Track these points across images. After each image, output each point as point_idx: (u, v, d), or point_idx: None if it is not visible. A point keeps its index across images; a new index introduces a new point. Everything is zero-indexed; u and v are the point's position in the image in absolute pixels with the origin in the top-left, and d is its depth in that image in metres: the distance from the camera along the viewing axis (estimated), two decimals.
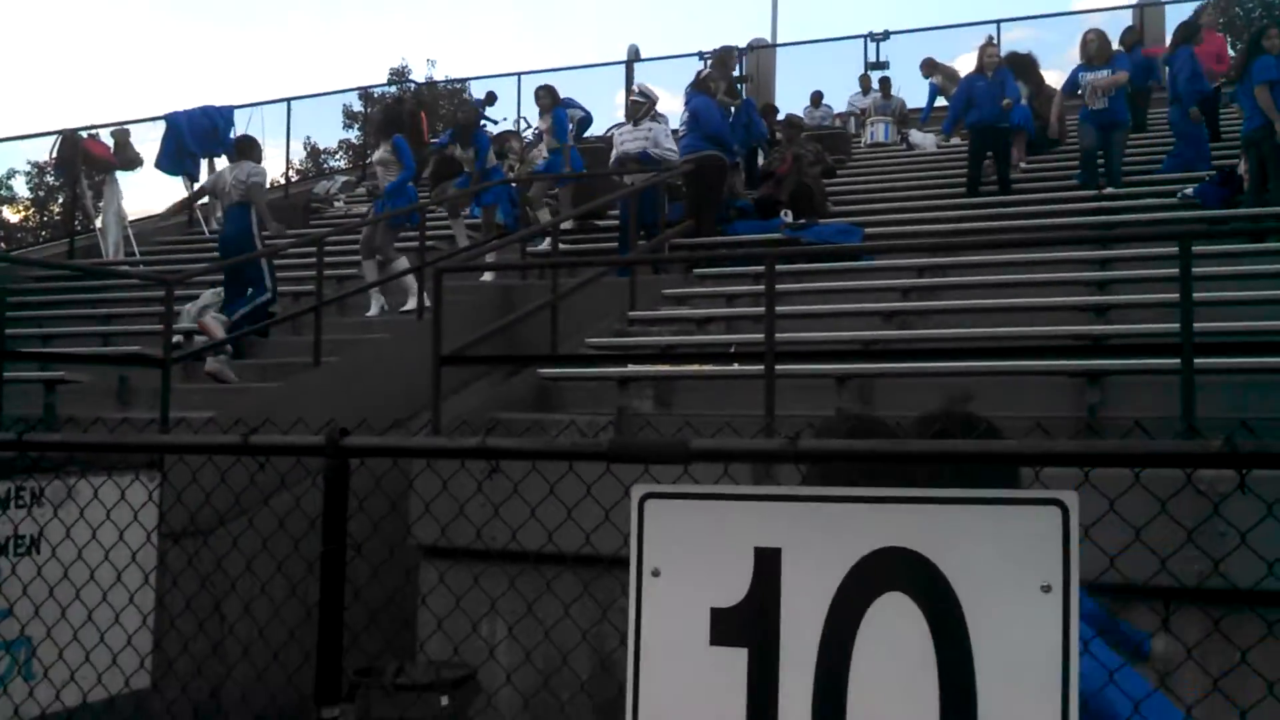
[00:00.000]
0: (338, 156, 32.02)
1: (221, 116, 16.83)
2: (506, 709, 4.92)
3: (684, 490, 1.95)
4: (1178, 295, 5.66)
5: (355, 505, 2.48)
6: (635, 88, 13.13)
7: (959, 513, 1.73)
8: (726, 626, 1.84)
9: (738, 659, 1.82)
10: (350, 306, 10.96)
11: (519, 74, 20.72)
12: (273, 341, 10.32)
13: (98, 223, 15.50)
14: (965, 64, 18.70)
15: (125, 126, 15.91)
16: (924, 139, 15.99)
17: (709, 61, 15.10)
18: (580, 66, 21.03)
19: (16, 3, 58.03)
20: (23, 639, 3.40)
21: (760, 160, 13.71)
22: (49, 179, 32.11)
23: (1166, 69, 13.14)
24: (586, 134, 15.77)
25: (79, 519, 3.35)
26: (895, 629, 1.73)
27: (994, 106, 11.97)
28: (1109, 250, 9.27)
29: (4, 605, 3.37)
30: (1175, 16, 18.95)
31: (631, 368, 7.85)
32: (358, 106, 27.04)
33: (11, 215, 36.70)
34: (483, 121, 14.25)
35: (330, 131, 35.84)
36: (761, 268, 6.84)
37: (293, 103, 19.89)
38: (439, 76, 33.65)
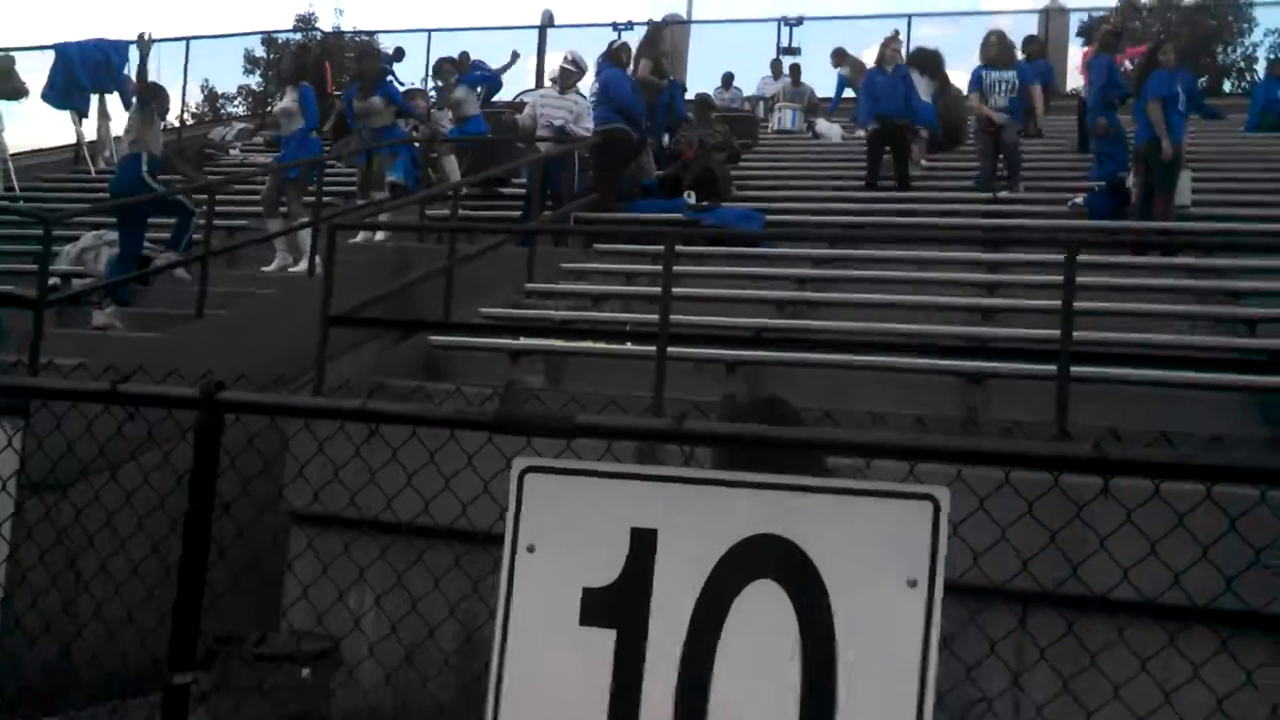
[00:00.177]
0: (236, 102, 31.05)
1: (116, 51, 16.09)
2: (368, 682, 4.84)
3: (565, 466, 1.93)
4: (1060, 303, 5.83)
5: (226, 463, 2.41)
6: (568, 55, 12.84)
7: (834, 502, 1.74)
8: (597, 607, 1.83)
9: (606, 640, 1.81)
10: (241, 259, 10.64)
11: (429, 30, 20.62)
12: (155, 290, 9.95)
13: None
14: (875, 56, 18.85)
15: (10, 53, 15.19)
16: (830, 129, 16.15)
17: (621, 33, 14.97)
18: (491, 28, 20.87)
19: None
20: None
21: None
22: None
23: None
24: (495, 98, 15.59)
25: None
26: (764, 617, 1.74)
27: (894, 101, 12.11)
28: (999, 254, 9.49)
29: None
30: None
31: (524, 340, 7.79)
32: (260, 52, 26.28)
33: None
34: (389, 77, 13.94)
35: (230, 76, 34.79)
36: (661, 248, 6.85)
37: (191, 42, 19.29)
38: (346, 27, 32.81)
